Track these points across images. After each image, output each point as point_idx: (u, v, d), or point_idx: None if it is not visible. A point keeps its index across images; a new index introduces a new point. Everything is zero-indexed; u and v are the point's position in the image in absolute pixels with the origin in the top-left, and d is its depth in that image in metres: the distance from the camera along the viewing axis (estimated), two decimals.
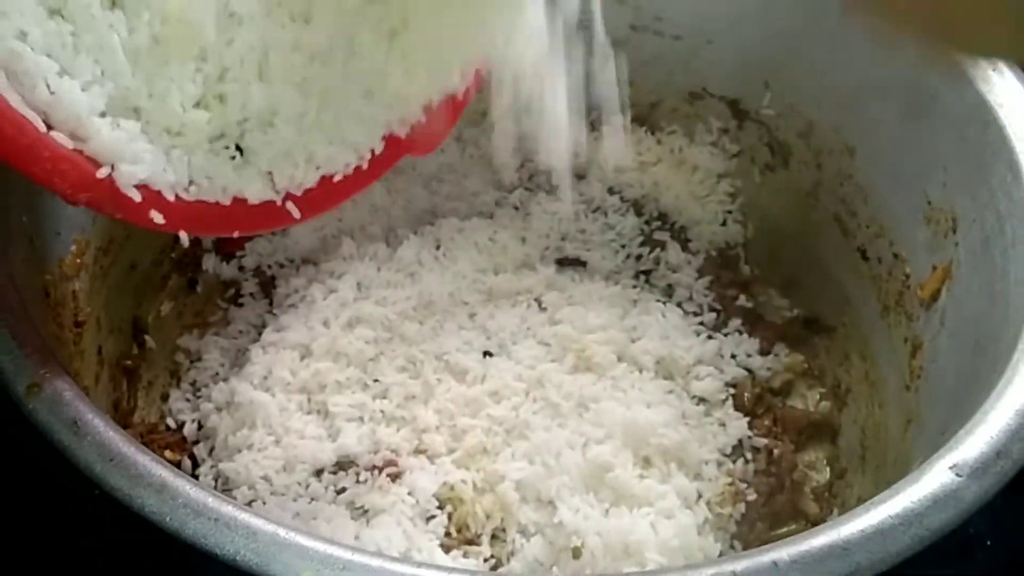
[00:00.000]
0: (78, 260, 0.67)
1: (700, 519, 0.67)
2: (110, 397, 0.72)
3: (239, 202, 0.61)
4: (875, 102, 0.74)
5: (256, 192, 0.61)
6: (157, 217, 0.56)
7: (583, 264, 0.84)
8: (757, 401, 0.77)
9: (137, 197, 0.55)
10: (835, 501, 0.74)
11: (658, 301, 0.82)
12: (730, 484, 0.71)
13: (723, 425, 0.75)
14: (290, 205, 0.64)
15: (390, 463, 0.68)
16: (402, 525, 0.65)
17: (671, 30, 0.85)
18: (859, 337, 0.77)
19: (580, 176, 0.88)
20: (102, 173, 0.53)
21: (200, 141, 0.58)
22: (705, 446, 0.72)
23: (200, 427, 0.72)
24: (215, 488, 0.66)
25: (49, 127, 0.51)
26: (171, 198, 0.57)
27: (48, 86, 0.50)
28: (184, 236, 0.58)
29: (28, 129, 0.50)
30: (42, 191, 0.64)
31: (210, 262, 0.83)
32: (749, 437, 0.75)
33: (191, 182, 0.58)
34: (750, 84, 0.84)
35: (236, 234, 0.62)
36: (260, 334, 0.76)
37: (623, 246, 0.86)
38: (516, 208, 0.87)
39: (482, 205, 0.87)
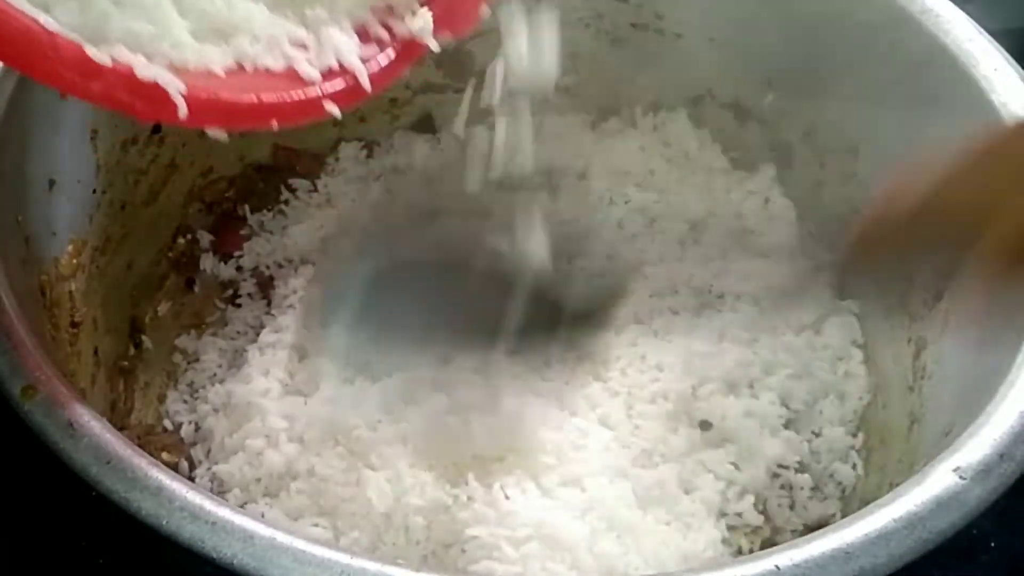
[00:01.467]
0: (74, 260, 0.67)
1: (712, 519, 0.67)
2: (107, 398, 0.71)
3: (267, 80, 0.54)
4: (878, 102, 0.73)
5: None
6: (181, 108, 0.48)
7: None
8: None
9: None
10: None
11: None
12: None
13: None
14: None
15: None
16: None
17: (672, 28, 0.84)
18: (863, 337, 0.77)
19: (581, 176, 0.87)
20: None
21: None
22: None
23: (197, 429, 0.72)
24: (210, 491, 0.66)
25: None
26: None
27: None
28: (215, 132, 0.52)
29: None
30: (37, 189, 0.65)
31: (208, 262, 0.82)
32: None
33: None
34: (752, 83, 0.84)
35: (274, 124, 0.53)
36: (258, 335, 0.76)
37: None
38: (517, 208, 0.87)
39: (482, 205, 0.86)
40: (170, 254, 0.82)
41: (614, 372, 0.73)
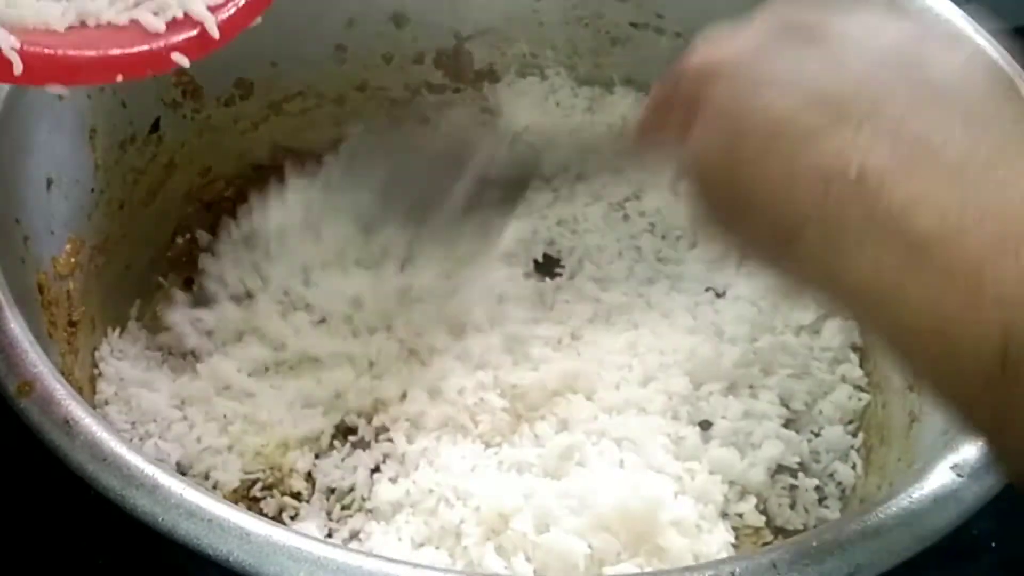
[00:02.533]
0: (72, 259, 0.67)
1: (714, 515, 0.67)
2: None
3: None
4: None
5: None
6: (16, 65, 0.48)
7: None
8: None
9: None
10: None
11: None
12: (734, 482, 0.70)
13: None
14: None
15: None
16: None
17: (672, 27, 0.84)
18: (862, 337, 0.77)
19: (579, 176, 0.87)
20: None
21: None
22: None
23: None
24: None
25: None
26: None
27: None
28: (57, 89, 0.52)
29: None
30: (35, 188, 0.65)
31: (207, 262, 0.82)
32: None
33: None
34: None
35: (119, 78, 0.54)
36: None
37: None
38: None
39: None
40: (169, 254, 0.82)
41: (613, 373, 0.73)
